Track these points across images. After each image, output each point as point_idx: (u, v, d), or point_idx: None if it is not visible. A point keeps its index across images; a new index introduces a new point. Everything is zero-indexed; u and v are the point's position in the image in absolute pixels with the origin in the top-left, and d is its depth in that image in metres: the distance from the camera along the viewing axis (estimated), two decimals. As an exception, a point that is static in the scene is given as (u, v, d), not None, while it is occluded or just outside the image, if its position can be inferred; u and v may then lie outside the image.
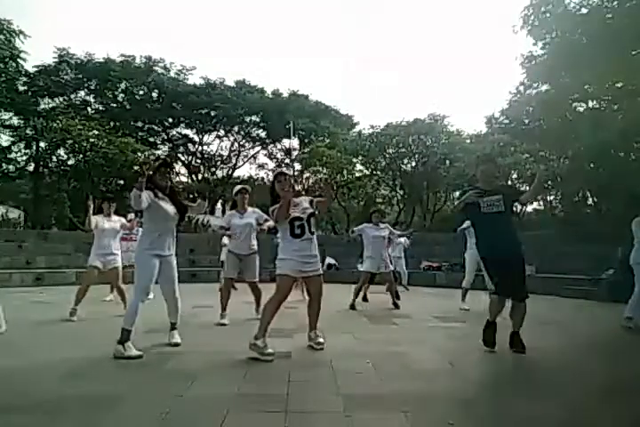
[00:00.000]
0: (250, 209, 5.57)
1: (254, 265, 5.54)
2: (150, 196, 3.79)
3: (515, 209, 4.76)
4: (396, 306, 6.94)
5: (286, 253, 3.88)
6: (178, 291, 4.15)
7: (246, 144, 28.11)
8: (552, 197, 18.71)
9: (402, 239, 10.63)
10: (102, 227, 5.91)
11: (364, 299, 7.75)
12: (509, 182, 17.97)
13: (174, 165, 4.43)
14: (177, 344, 4.06)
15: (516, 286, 3.94)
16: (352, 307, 6.84)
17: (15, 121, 21.13)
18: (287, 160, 26.42)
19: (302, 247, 3.88)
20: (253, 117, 26.65)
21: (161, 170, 3.91)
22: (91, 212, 5.80)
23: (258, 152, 28.36)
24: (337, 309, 6.56)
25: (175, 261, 4.11)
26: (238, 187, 5.68)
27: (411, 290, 10.31)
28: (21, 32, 17.31)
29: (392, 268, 7.50)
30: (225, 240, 10.61)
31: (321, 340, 4.03)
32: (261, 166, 28.06)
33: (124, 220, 6.23)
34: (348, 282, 11.84)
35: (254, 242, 5.56)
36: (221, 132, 27.22)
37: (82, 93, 24.07)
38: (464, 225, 6.78)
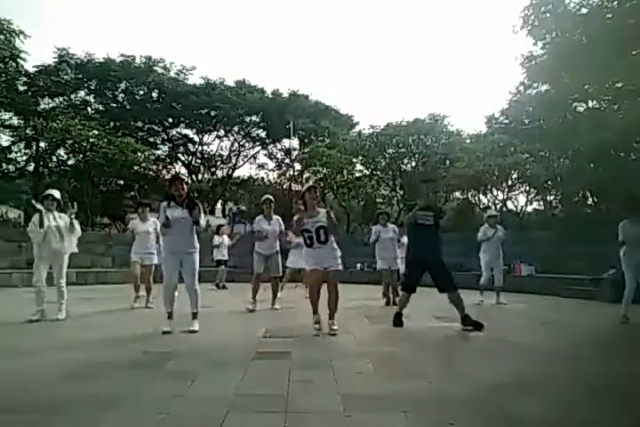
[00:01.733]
0: (275, 217, 6.58)
1: (277, 262, 6.54)
2: (164, 208, 4.67)
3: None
4: (395, 303, 7.06)
5: (307, 255, 4.85)
6: (197, 284, 4.78)
7: (246, 144, 28.12)
8: (552, 197, 18.69)
9: (403, 240, 10.63)
10: (137, 230, 6.75)
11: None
12: (509, 182, 18.00)
13: (183, 178, 4.75)
14: (193, 331, 4.60)
15: (444, 282, 5.06)
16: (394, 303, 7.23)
17: (15, 121, 21.12)
18: (287, 160, 26.43)
19: (317, 254, 4.75)
20: (253, 117, 26.66)
21: (175, 183, 4.73)
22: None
23: (258, 152, 28.37)
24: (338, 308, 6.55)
25: (197, 258, 4.76)
26: (265, 197, 6.69)
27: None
28: (21, 32, 17.28)
29: (398, 267, 7.68)
30: (215, 241, 10.75)
31: (335, 327, 4.67)
32: (261, 166, 28.08)
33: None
34: (349, 282, 11.86)
35: (277, 244, 6.55)
36: (221, 132, 27.23)
37: (82, 93, 24.08)
38: (480, 234, 7.75)
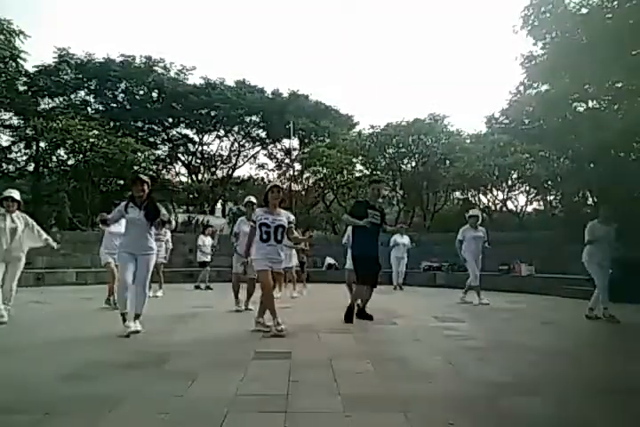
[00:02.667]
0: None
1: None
2: (123, 207, 4.66)
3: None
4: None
5: (256, 253, 4.74)
6: (147, 285, 4.68)
7: (246, 144, 28.13)
8: (552, 197, 18.69)
9: (405, 240, 10.67)
10: (110, 229, 6.36)
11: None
12: (509, 182, 18.00)
13: (145, 179, 4.78)
14: (136, 332, 4.43)
15: (374, 277, 5.44)
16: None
17: (15, 121, 21.14)
18: (287, 160, 26.44)
19: (269, 251, 4.70)
20: (253, 117, 26.68)
21: (136, 184, 4.68)
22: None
23: (258, 152, 28.40)
24: (337, 308, 6.55)
25: (152, 259, 4.67)
26: (247, 199, 6.56)
27: (411, 290, 10.32)
28: (21, 32, 17.29)
29: None
30: (199, 242, 10.57)
31: (281, 326, 4.51)
32: (261, 166, 28.10)
33: None
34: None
35: None
36: (221, 132, 27.25)
37: (82, 93, 24.10)
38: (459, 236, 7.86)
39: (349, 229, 7.61)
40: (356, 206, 5.72)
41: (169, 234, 9.03)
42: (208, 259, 10.62)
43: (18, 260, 5.32)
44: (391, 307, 7.14)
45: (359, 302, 5.64)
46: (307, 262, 10.26)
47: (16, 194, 5.36)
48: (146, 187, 4.66)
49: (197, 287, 10.41)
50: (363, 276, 5.49)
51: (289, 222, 4.89)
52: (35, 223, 5.55)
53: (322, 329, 4.92)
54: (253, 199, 6.61)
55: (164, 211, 4.76)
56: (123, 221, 6.29)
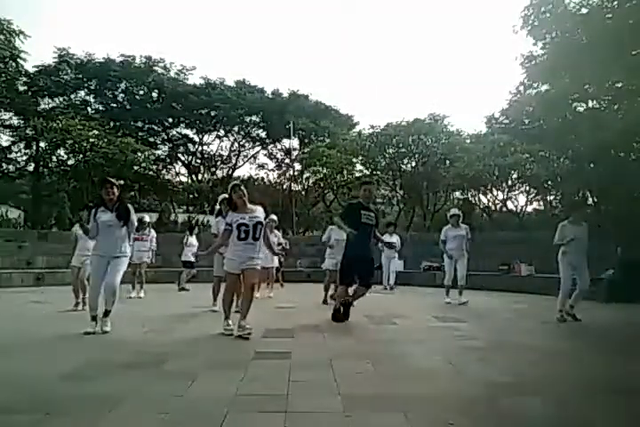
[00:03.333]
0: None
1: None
2: (94, 211, 4.63)
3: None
4: (326, 302, 7.21)
5: (230, 253, 4.58)
6: (118, 284, 4.65)
7: (246, 144, 28.14)
8: (552, 197, 18.70)
9: (393, 239, 10.65)
10: (79, 233, 6.33)
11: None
12: (509, 182, 18.00)
13: (114, 182, 4.79)
14: (105, 332, 4.46)
15: (366, 277, 5.44)
16: (325, 302, 7.28)
17: (15, 121, 21.15)
18: (287, 160, 26.44)
19: (245, 249, 4.49)
20: (253, 117, 26.68)
21: (104, 186, 4.65)
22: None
23: (258, 152, 28.40)
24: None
25: (124, 261, 4.69)
26: (223, 196, 6.21)
27: (411, 290, 10.30)
28: (21, 32, 17.31)
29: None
30: (185, 240, 10.32)
31: (248, 326, 4.36)
32: (261, 166, 28.10)
33: None
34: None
35: None
36: (221, 132, 27.26)
37: (82, 93, 24.11)
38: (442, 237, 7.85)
39: (330, 227, 7.68)
40: (348, 208, 5.76)
41: (153, 233, 8.87)
42: (192, 259, 10.18)
43: None
44: (391, 307, 7.15)
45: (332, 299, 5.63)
46: (283, 262, 10.36)
47: None
48: (115, 189, 4.66)
49: (183, 289, 9.95)
50: (348, 276, 5.48)
51: (265, 218, 4.75)
52: None
53: (322, 329, 4.92)
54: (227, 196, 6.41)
55: (133, 212, 4.77)
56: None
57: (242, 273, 4.51)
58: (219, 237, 5.40)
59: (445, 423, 2.26)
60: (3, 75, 18.60)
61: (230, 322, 4.58)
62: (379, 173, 20.87)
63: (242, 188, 4.65)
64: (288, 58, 55.80)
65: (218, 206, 6.28)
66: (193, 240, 10.29)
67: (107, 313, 4.62)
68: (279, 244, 8.63)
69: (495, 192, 18.81)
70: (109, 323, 4.60)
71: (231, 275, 4.60)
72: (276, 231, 8.76)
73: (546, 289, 9.48)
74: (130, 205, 4.80)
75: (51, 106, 22.51)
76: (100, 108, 24.21)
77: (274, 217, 8.22)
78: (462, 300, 7.55)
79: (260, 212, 4.66)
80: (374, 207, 5.86)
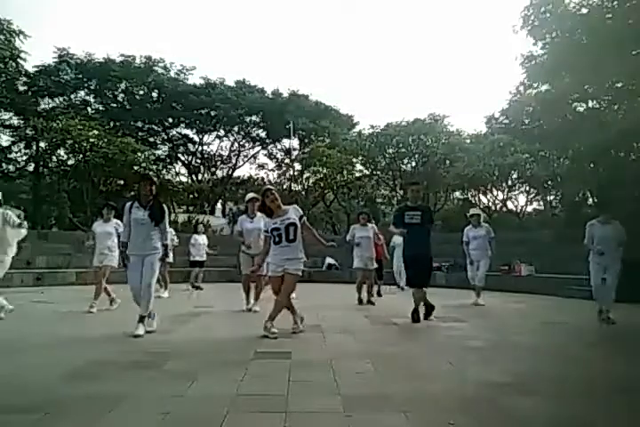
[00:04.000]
0: (259, 214, 6.04)
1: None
2: (128, 208, 4.60)
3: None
4: (371, 303, 7.42)
5: (270, 258, 4.71)
6: (152, 286, 4.59)
7: (246, 144, 28.13)
8: (552, 197, 18.71)
9: (401, 239, 10.65)
10: (97, 230, 6.65)
11: (379, 294, 8.31)
12: (509, 182, 17.99)
13: (153, 179, 4.78)
14: (137, 336, 4.35)
15: (421, 277, 5.53)
16: (360, 302, 7.43)
17: (15, 121, 21.14)
18: (287, 160, 26.43)
19: (281, 252, 4.58)
20: (253, 117, 26.67)
21: (143, 182, 4.64)
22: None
23: (258, 152, 28.39)
24: (337, 308, 6.56)
25: (156, 260, 4.57)
26: (250, 195, 6.48)
27: (410, 290, 10.28)
28: (21, 32, 17.30)
29: (376, 266, 7.83)
30: (192, 240, 10.35)
31: (274, 329, 4.42)
32: (261, 166, 28.09)
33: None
34: (349, 282, 11.85)
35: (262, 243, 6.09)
36: (221, 132, 27.25)
37: (82, 93, 24.10)
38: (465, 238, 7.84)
39: (353, 226, 7.75)
40: (394, 213, 6.11)
41: (173, 232, 8.95)
42: (203, 258, 10.42)
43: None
44: (391, 307, 7.15)
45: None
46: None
47: None
48: (154, 187, 4.64)
49: (197, 287, 10.19)
50: (411, 277, 5.65)
51: (301, 217, 4.70)
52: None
53: (322, 329, 4.92)
54: (255, 195, 6.47)
55: (167, 212, 4.76)
56: (111, 224, 6.39)
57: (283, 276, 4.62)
58: (250, 232, 6.02)
59: (445, 423, 2.26)
60: (3, 75, 18.59)
61: (297, 319, 4.77)
62: (379, 173, 20.88)
63: (273, 192, 4.72)
64: (288, 58, 55.80)
65: (244, 205, 6.52)
66: (201, 239, 10.38)
67: (141, 319, 4.53)
68: None
69: (495, 192, 18.83)
70: (142, 327, 4.48)
71: (273, 278, 4.73)
72: None
73: (546, 289, 9.50)
74: (164, 205, 4.77)
75: (51, 106, 22.49)
76: (100, 108, 24.19)
77: (300, 211, 8.25)
78: (480, 302, 7.47)
79: (292, 212, 4.67)
80: (425, 205, 5.86)
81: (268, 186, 5.10)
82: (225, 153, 27.91)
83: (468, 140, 20.47)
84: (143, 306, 4.55)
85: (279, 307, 4.61)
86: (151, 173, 22.49)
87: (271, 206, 4.63)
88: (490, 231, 7.69)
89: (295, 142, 26.87)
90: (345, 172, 20.44)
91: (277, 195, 4.69)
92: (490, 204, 19.61)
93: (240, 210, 26.95)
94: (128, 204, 4.67)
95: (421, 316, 5.58)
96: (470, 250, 7.71)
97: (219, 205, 27.81)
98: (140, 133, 24.67)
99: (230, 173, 27.82)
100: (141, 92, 24.99)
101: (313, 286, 10.27)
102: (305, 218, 4.79)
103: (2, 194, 5.43)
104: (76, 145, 17.12)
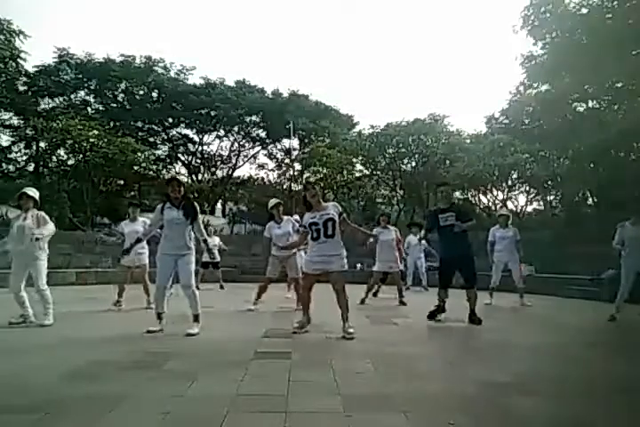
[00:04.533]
0: (285, 217, 6.45)
1: (295, 264, 6.40)
2: (158, 209, 4.69)
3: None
4: (403, 303, 7.41)
5: (308, 254, 4.73)
6: (194, 285, 4.66)
7: (246, 144, 28.13)
8: (552, 197, 18.70)
9: (416, 240, 10.62)
10: (126, 230, 6.69)
11: (375, 295, 8.23)
12: (509, 182, 17.98)
13: (181, 180, 4.85)
14: (190, 334, 4.42)
15: (466, 278, 5.50)
16: (362, 302, 7.38)
17: (15, 121, 21.15)
18: (287, 160, 26.43)
19: (320, 248, 4.54)
20: (253, 117, 26.67)
21: (171, 184, 4.64)
22: None
23: (258, 152, 28.40)
24: (337, 308, 6.55)
25: (191, 259, 4.64)
26: (274, 201, 6.54)
27: (411, 290, 10.29)
28: (21, 32, 17.31)
29: (401, 268, 8.00)
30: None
31: (351, 330, 4.43)
32: (261, 166, 28.09)
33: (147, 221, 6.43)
34: (350, 282, 11.82)
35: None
36: (221, 132, 27.25)
37: (82, 93, 24.10)
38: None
39: (375, 229, 7.78)
40: (428, 217, 6.13)
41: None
42: (218, 259, 10.75)
43: (34, 259, 5.25)
44: (391, 307, 7.15)
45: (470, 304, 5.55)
46: None
47: (31, 191, 5.22)
48: (182, 188, 4.70)
49: (222, 287, 10.55)
50: (444, 279, 5.59)
51: (340, 213, 4.62)
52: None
53: (322, 329, 4.92)
54: (279, 200, 6.61)
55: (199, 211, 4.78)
56: (139, 223, 6.48)
57: (320, 275, 4.61)
58: (280, 237, 6.06)
59: (445, 423, 2.26)
60: (3, 75, 18.60)
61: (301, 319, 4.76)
62: (379, 173, 20.87)
63: (315, 186, 4.73)
64: (288, 58, 55.82)
65: (270, 211, 6.51)
66: (215, 240, 10.65)
67: (196, 318, 4.63)
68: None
69: (495, 192, 18.81)
70: (197, 327, 4.55)
71: (307, 275, 4.71)
72: None
73: (546, 289, 9.49)
74: (195, 203, 4.79)
75: (51, 106, 22.50)
76: (100, 108, 24.19)
77: (339, 207, 8.23)
78: (526, 302, 7.43)
79: (331, 208, 4.61)
80: (458, 204, 5.80)
81: (309, 180, 5.05)
82: (225, 153, 27.93)
83: (468, 140, 20.46)
84: (192, 306, 4.64)
85: (344, 306, 4.63)
86: (151, 172, 22.58)
87: (311, 201, 4.59)
88: (517, 234, 7.59)
89: (295, 142, 26.88)
90: (345, 172, 20.44)
91: (318, 190, 4.70)
92: (490, 204, 19.61)
93: (240, 209, 26.98)
94: (159, 205, 4.75)
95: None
96: (496, 251, 7.62)
97: (219, 205, 27.81)
98: (140, 133, 24.68)
99: (230, 173, 27.83)
100: (141, 92, 24.99)
101: (315, 286, 10.25)
102: (345, 215, 4.71)
103: (38, 195, 5.32)
104: (76, 145, 17.12)
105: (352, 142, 20.94)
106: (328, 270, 4.53)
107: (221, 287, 10.55)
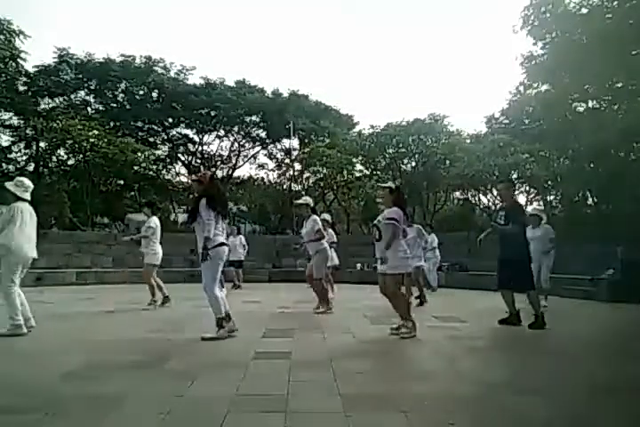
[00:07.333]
0: (311, 217, 6.46)
1: (316, 264, 6.40)
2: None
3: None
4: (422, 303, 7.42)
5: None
6: (212, 288, 4.41)
7: (246, 144, 28.07)
8: (552, 197, 18.70)
9: (430, 238, 10.53)
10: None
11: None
12: (509, 183, 17.97)
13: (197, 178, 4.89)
14: (203, 338, 4.28)
15: (517, 280, 5.19)
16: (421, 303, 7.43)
17: (15, 121, 21.11)
18: (287, 160, 26.42)
19: (377, 248, 4.69)
20: (253, 117, 26.61)
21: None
22: None
23: (258, 152, 28.33)
24: (337, 308, 6.56)
25: (206, 264, 4.41)
26: (301, 201, 6.67)
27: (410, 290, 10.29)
28: (21, 32, 17.28)
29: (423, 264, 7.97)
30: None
31: (404, 329, 4.49)
32: (261, 166, 28.05)
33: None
34: (350, 282, 11.85)
35: (316, 244, 6.40)
36: (221, 133, 27.19)
37: (82, 93, 24.03)
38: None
39: None
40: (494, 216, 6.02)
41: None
42: (241, 258, 11.08)
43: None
44: (391, 307, 7.15)
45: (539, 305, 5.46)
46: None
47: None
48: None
49: (237, 287, 10.83)
50: (500, 280, 5.45)
51: (387, 219, 4.60)
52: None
53: (322, 329, 4.92)
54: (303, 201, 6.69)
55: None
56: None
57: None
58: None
59: (445, 423, 2.26)
60: (3, 75, 18.57)
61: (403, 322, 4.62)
62: (379, 173, 20.86)
63: (382, 189, 4.88)
64: (288, 58, 55.70)
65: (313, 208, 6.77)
66: (239, 240, 11.27)
67: (218, 322, 4.37)
68: (332, 242, 8.26)
69: (495, 192, 18.80)
70: (215, 331, 4.32)
71: (379, 275, 4.79)
72: (329, 230, 8.33)
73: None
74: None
75: (51, 106, 22.45)
76: (100, 108, 24.15)
77: (327, 216, 8.17)
78: (543, 303, 7.06)
79: (384, 214, 4.70)
80: (510, 204, 5.60)
81: (389, 185, 4.97)
82: (225, 153, 27.86)
83: (468, 140, 20.44)
84: (212, 310, 4.44)
85: (398, 307, 4.72)
86: (151, 172, 22.54)
87: (385, 202, 4.78)
88: (548, 233, 7.25)
89: (295, 142, 26.82)
90: (345, 172, 20.42)
91: (386, 192, 4.79)
92: (490, 204, 19.61)
93: (240, 209, 26.94)
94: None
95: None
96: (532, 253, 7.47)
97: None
98: (140, 133, 24.63)
99: (230, 173, 27.77)
100: (141, 92, 24.94)
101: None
102: (394, 222, 4.56)
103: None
104: (76, 145, 17.10)
105: (352, 142, 20.93)
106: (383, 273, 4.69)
107: (238, 287, 10.83)
